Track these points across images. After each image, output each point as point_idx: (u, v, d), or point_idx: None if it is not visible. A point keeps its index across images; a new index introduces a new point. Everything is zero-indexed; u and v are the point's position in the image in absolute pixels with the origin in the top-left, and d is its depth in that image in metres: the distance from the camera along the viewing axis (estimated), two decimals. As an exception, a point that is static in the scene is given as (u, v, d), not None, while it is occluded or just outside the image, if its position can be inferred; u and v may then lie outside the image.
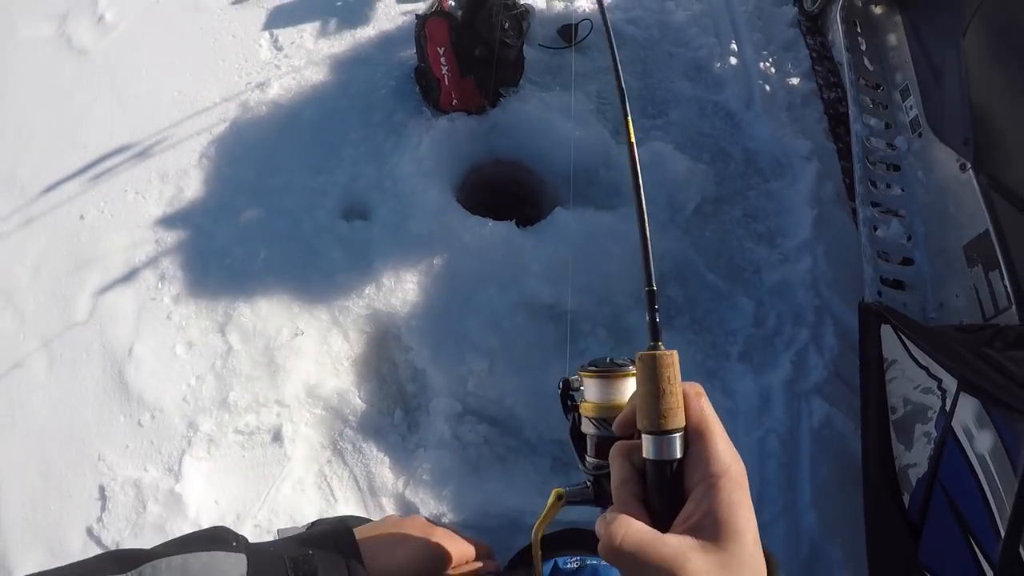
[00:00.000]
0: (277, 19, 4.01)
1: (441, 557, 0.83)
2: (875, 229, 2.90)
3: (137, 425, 2.80)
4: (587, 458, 0.79)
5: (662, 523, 0.60)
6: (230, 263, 3.13)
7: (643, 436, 0.63)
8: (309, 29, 3.95)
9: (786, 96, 3.71)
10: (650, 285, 0.71)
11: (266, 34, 3.95)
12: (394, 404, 2.90)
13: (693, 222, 3.28)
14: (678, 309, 3.07)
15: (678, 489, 0.61)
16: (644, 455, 0.63)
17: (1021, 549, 1.80)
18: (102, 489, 2.68)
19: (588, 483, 0.77)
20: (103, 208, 3.38)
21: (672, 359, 0.64)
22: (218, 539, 0.65)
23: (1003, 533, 1.84)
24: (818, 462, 2.73)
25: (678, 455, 0.62)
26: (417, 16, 3.35)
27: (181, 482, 2.66)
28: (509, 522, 2.57)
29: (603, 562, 1.43)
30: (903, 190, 2.99)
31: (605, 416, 0.75)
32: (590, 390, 0.79)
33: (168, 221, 3.29)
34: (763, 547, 0.61)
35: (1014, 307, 2.37)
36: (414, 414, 2.87)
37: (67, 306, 3.11)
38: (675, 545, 0.57)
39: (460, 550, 0.85)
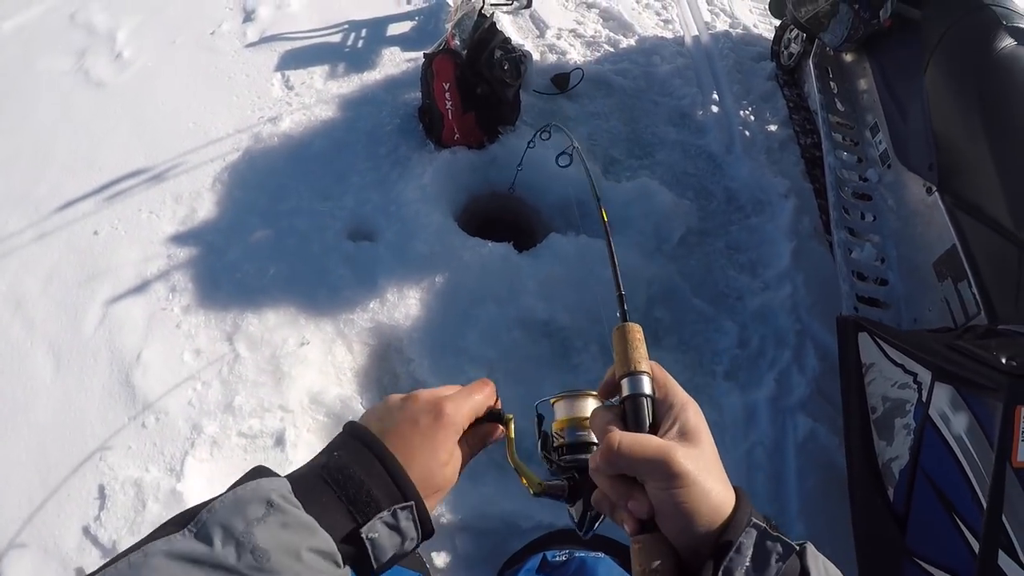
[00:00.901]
0: (288, 61, 4.24)
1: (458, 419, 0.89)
2: (850, 252, 3.08)
3: (141, 427, 2.82)
4: (560, 460, 0.92)
5: None
6: (240, 277, 3.23)
7: (622, 382, 0.81)
8: (319, 71, 4.17)
9: (765, 141, 3.95)
10: (619, 291, 1.01)
11: (278, 74, 4.17)
12: (395, 413, 2.95)
13: (679, 252, 3.46)
14: (666, 330, 3.21)
15: (649, 422, 0.78)
16: (622, 395, 0.81)
17: (1003, 517, 1.92)
18: (101, 488, 2.67)
19: (564, 480, 0.90)
20: (117, 225, 3.48)
21: (638, 328, 0.86)
22: (259, 472, 0.73)
23: (985, 504, 1.95)
24: (804, 474, 2.81)
25: (648, 391, 0.80)
26: (425, 55, 3.60)
27: (182, 482, 2.67)
28: (505, 525, 2.63)
29: (590, 554, 1.53)
30: (875, 218, 3.20)
31: (574, 426, 0.91)
32: (560, 410, 0.95)
33: (180, 238, 3.40)
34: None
35: (983, 312, 2.51)
36: (414, 423, 2.93)
37: (77, 315, 3.16)
38: (662, 441, 0.72)
39: (471, 407, 0.92)
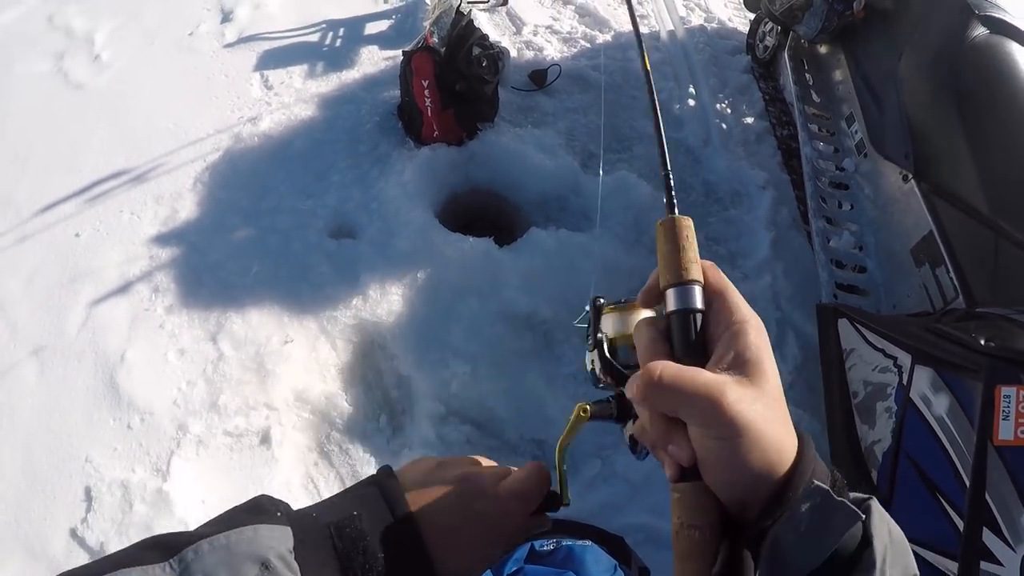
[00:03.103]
0: (267, 61, 4.25)
1: (488, 495, 0.70)
2: (828, 240, 3.11)
3: (126, 428, 2.82)
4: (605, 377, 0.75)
5: None
6: (223, 276, 3.23)
7: (667, 293, 0.65)
8: (297, 71, 4.19)
9: (742, 133, 3.99)
10: (665, 169, 0.77)
11: (257, 74, 4.18)
12: (379, 409, 2.97)
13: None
14: (648, 323, 3.23)
15: (702, 342, 0.63)
16: (668, 309, 0.65)
17: (987, 495, 1.94)
18: (88, 490, 2.67)
19: (611, 399, 0.75)
20: (98, 227, 3.48)
21: (688, 222, 0.68)
22: (260, 509, 0.63)
23: (968, 483, 1.97)
24: (788, 462, 2.83)
25: (699, 305, 0.64)
26: (404, 52, 3.62)
27: (168, 481, 2.67)
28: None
29: (577, 542, 1.53)
30: (852, 206, 3.24)
31: (627, 344, 0.73)
32: (609, 325, 0.76)
33: (162, 239, 3.40)
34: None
35: (960, 296, 2.55)
36: (399, 418, 2.95)
37: (60, 316, 3.15)
38: (712, 376, 0.58)
39: (509, 487, 0.72)
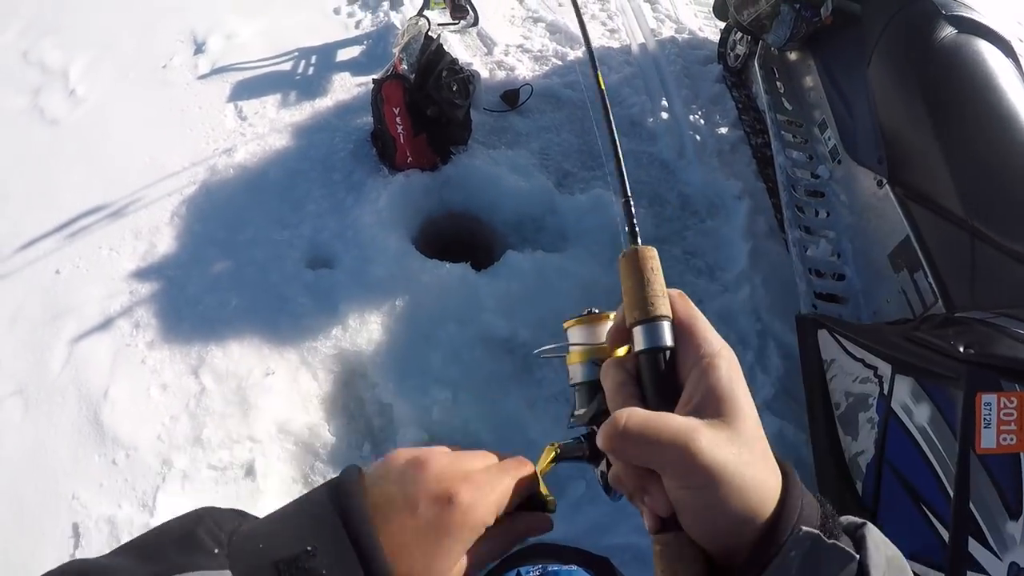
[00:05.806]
0: (241, 92, 4.27)
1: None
2: (805, 250, 3.10)
3: (111, 464, 2.83)
4: (576, 412, 0.72)
5: None
6: (202, 310, 3.25)
7: (634, 330, 0.62)
8: (271, 100, 4.21)
9: (716, 144, 4.00)
10: (626, 196, 0.76)
11: (231, 106, 4.20)
12: (363, 438, 2.99)
13: (636, 261, 3.47)
14: (626, 339, 3.23)
15: (673, 381, 0.60)
16: (636, 348, 0.62)
17: (971, 504, 1.92)
18: (76, 527, 2.68)
19: (582, 438, 0.71)
20: (78, 263, 3.49)
21: (653, 252, 0.65)
22: (194, 544, 0.53)
23: (951, 492, 1.96)
24: (773, 474, 2.84)
25: (669, 342, 0.61)
26: (374, 80, 3.64)
27: (155, 516, 2.68)
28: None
29: (563, 567, 1.52)
30: (828, 213, 3.23)
31: (595, 359, 0.71)
32: (576, 338, 0.73)
33: (141, 274, 3.42)
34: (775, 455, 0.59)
35: (940, 300, 2.55)
36: (382, 447, 2.94)
37: (43, 354, 3.17)
38: (682, 421, 0.54)
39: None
